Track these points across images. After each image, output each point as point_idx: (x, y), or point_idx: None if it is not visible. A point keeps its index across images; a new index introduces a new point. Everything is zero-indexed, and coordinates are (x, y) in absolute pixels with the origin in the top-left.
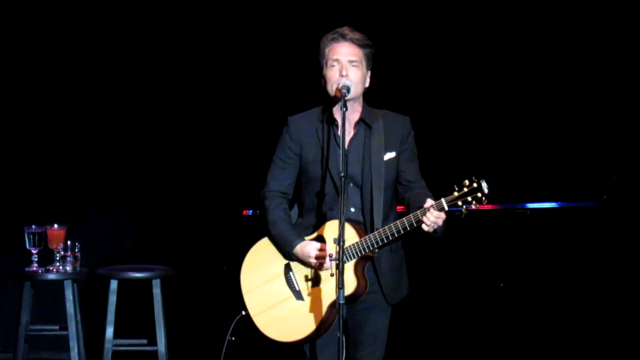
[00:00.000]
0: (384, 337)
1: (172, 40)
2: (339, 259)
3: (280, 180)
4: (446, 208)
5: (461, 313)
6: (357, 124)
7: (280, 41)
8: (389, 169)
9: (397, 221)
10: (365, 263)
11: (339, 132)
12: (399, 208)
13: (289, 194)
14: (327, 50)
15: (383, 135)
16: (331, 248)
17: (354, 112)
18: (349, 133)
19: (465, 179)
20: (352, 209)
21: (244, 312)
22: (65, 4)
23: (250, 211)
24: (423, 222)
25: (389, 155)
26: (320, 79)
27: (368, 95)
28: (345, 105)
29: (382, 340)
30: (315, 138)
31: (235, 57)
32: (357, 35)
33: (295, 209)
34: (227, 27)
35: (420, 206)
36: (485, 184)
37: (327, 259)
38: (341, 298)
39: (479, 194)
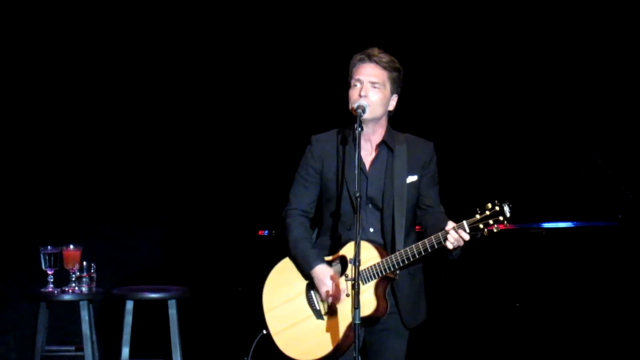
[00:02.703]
0: None
1: (190, 57)
2: (354, 279)
3: (303, 198)
4: (467, 230)
5: (477, 333)
6: (378, 146)
7: (299, 59)
8: (411, 192)
9: (419, 242)
10: (387, 284)
11: (357, 152)
12: (417, 228)
13: (311, 212)
14: (353, 70)
15: (406, 157)
16: (350, 269)
17: (375, 134)
18: (370, 154)
19: (487, 202)
20: (371, 229)
21: (264, 331)
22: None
23: (266, 231)
24: (447, 240)
25: (412, 178)
26: (346, 98)
27: (393, 118)
28: (360, 125)
29: None
30: (336, 157)
31: (253, 77)
32: (384, 57)
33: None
34: (251, 46)
35: (441, 228)
36: (508, 208)
37: (343, 279)
38: (357, 318)
39: (501, 217)
